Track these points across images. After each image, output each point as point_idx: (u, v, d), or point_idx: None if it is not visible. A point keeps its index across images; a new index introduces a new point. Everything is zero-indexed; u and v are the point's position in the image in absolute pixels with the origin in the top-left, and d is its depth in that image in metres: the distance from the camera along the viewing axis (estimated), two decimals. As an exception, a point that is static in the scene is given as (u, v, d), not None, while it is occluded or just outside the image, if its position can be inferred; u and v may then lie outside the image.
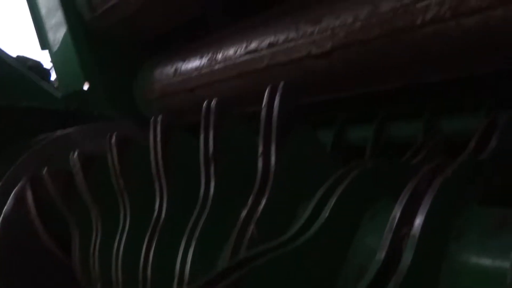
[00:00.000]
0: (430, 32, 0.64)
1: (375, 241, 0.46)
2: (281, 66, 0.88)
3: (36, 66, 1.82)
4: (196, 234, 0.60)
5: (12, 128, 1.34)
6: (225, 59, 1.01)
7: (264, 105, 0.58)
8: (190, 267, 0.59)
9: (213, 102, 0.64)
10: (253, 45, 0.94)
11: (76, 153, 0.85)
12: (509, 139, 0.55)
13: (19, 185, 1.03)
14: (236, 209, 0.58)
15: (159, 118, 0.71)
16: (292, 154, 0.57)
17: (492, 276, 0.36)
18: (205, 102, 0.65)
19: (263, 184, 0.56)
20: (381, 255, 0.40)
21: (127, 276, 0.73)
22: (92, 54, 1.38)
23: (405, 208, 0.41)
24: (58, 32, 1.40)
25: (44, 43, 1.46)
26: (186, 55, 1.16)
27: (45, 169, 0.92)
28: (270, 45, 0.90)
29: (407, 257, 0.38)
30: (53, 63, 1.54)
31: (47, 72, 1.82)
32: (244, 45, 0.96)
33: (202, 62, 1.09)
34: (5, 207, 1.02)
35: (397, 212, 0.41)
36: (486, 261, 0.38)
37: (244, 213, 0.55)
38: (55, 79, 1.68)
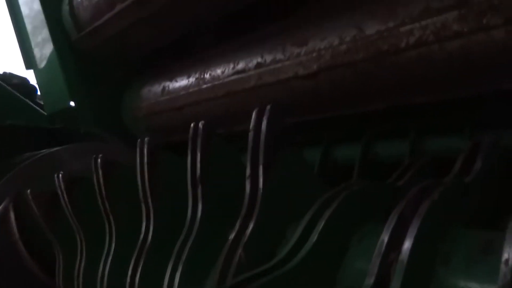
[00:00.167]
0: (414, 55, 0.66)
1: (364, 264, 0.46)
2: (269, 86, 0.89)
3: (22, 83, 1.80)
4: (183, 257, 0.59)
5: (-4, 147, 1.32)
6: (213, 78, 1.02)
7: (252, 128, 0.58)
8: (177, 291, 0.58)
9: (200, 124, 0.64)
10: (240, 65, 0.95)
11: (61, 174, 0.84)
12: (492, 160, 0.56)
13: (1, 205, 1.01)
14: (224, 232, 0.57)
15: (146, 140, 0.71)
16: (280, 176, 0.57)
17: (479, 301, 0.36)
18: (192, 124, 0.64)
19: (251, 207, 0.55)
20: (370, 280, 0.40)
21: (112, 300, 0.72)
22: (78, 72, 1.37)
23: (392, 233, 0.41)
24: (43, 49, 1.39)
25: (29, 63, 1.45)
26: (173, 74, 1.16)
27: (28, 190, 0.90)
28: (258, 65, 0.90)
29: (396, 283, 0.38)
30: (38, 81, 1.53)
31: (33, 89, 1.80)
32: (231, 65, 0.97)
33: (190, 81, 1.09)
34: (-13, 229, 0.99)
35: (385, 237, 0.41)
36: (473, 286, 0.38)
37: (231, 236, 0.54)
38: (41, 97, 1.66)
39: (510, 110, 0.69)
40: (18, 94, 1.66)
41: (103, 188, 0.76)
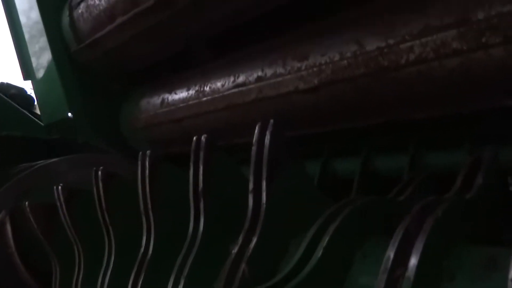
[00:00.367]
0: (414, 72, 0.67)
1: (369, 281, 0.46)
2: (269, 100, 0.89)
3: (19, 93, 1.79)
4: (185, 272, 0.59)
5: (-8, 158, 1.31)
6: (213, 91, 1.02)
7: (255, 142, 0.58)
8: (179, 306, 0.58)
9: (203, 137, 0.64)
10: (241, 78, 0.95)
11: (60, 186, 0.84)
12: (493, 175, 0.57)
13: (-2, 217, 1.00)
14: (226, 246, 0.57)
15: (148, 152, 0.71)
16: (283, 190, 0.57)
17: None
18: (195, 138, 0.65)
19: (254, 221, 0.55)
20: (376, 297, 0.40)
21: (111, 315, 0.71)
22: (77, 83, 1.37)
23: (398, 249, 0.41)
24: (41, 59, 1.39)
25: (27, 73, 1.45)
26: (173, 87, 1.17)
27: (26, 202, 0.89)
28: (258, 79, 0.91)
29: (402, 300, 0.38)
30: (36, 92, 1.53)
31: (30, 99, 1.80)
32: (232, 79, 0.97)
33: (190, 94, 1.09)
34: (-17, 241, 0.98)
35: (390, 253, 0.41)
36: (478, 303, 0.38)
37: (234, 251, 0.54)
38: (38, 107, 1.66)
39: (509, 126, 0.70)
40: (15, 105, 1.65)
41: (103, 200, 0.76)
